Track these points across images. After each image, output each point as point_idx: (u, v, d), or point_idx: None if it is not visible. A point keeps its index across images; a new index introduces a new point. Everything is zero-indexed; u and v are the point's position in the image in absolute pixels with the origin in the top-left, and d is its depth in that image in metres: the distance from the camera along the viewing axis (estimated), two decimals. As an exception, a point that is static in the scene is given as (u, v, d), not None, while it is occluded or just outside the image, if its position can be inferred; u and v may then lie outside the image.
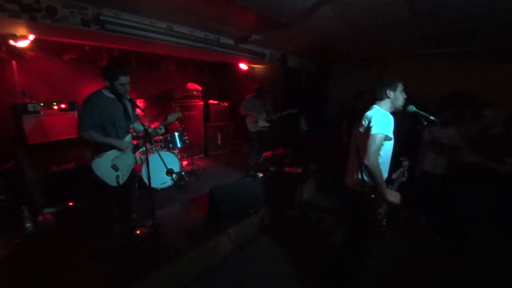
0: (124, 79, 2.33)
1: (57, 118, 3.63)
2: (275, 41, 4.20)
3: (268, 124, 4.64)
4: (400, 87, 2.01)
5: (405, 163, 2.29)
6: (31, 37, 3.01)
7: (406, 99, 2.04)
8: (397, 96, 2.00)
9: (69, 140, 3.71)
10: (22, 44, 3.04)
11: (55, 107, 3.64)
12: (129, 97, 2.47)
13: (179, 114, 2.83)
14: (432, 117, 2.06)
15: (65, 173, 3.55)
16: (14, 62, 3.60)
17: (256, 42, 4.11)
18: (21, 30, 2.74)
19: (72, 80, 4.05)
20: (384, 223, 2.02)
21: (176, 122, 4.72)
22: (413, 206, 3.55)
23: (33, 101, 3.49)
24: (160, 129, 2.70)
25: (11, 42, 2.98)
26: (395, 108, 2.03)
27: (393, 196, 1.91)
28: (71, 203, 3.49)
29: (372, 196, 1.92)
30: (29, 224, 2.86)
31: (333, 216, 3.82)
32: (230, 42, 4.00)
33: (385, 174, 2.04)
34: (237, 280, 2.59)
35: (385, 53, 4.81)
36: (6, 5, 2.10)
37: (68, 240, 2.75)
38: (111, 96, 2.40)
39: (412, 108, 2.09)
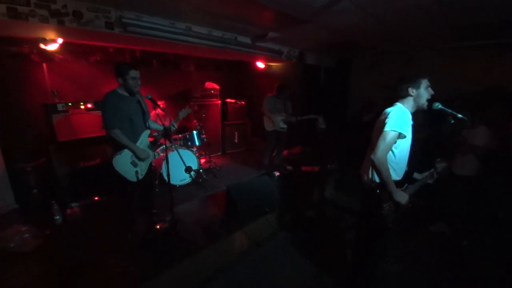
0: (134, 72, 2.42)
1: (84, 117, 3.81)
2: (292, 38, 4.14)
3: (285, 126, 4.63)
4: (424, 83, 1.90)
5: (439, 166, 2.18)
6: (60, 40, 3.17)
7: (432, 96, 1.93)
8: (421, 94, 1.90)
9: (95, 138, 3.88)
10: (52, 47, 3.20)
11: (82, 107, 3.82)
12: (150, 96, 2.56)
13: (189, 111, 2.93)
14: (460, 115, 1.93)
15: (91, 169, 3.73)
16: (44, 65, 3.82)
17: (274, 40, 4.07)
18: (50, 34, 2.90)
19: (97, 81, 4.21)
20: (390, 220, 1.95)
21: (195, 121, 4.84)
22: (451, 222, 3.28)
23: (62, 101, 3.69)
24: (173, 125, 2.77)
25: (42, 45, 3.16)
26: (418, 107, 1.94)
27: (400, 197, 1.84)
28: (96, 198, 3.67)
29: (378, 191, 1.90)
30: (58, 217, 3.04)
31: (353, 216, 3.72)
32: (247, 40, 4.00)
33: (400, 174, 2.00)
34: (253, 278, 2.60)
35: (411, 47, 4.58)
36: (36, 11, 2.23)
37: (93, 232, 2.90)
38: (126, 94, 2.49)
39: (438, 105, 1.95)
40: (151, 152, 2.69)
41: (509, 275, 2.59)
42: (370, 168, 1.93)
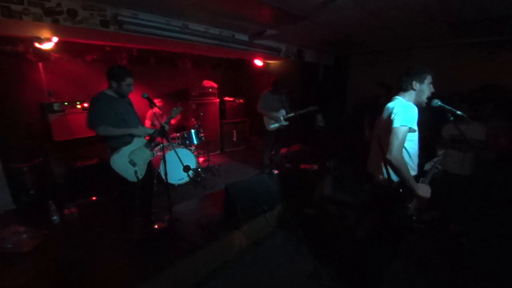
0: (130, 80, 2.46)
1: (81, 116, 3.78)
2: (291, 35, 4.11)
3: (287, 123, 4.49)
4: (428, 79, 1.88)
5: (440, 152, 2.19)
6: (55, 39, 3.13)
7: (432, 93, 1.92)
8: (423, 89, 1.88)
9: (92, 137, 3.82)
10: (47, 46, 3.17)
11: (79, 106, 3.80)
12: (146, 95, 2.56)
13: (181, 109, 2.97)
14: (459, 112, 1.92)
15: (89, 168, 3.71)
16: (40, 64, 3.78)
17: (272, 37, 4.05)
18: (45, 33, 2.87)
19: (94, 80, 4.15)
20: (414, 219, 1.89)
21: (193, 119, 4.81)
22: (443, 210, 3.29)
23: (58, 101, 3.66)
24: (166, 123, 2.77)
25: (37, 44, 3.12)
26: (418, 102, 1.91)
27: (423, 191, 1.78)
28: (94, 197, 3.65)
29: (401, 190, 1.81)
30: (55, 217, 3.01)
31: (352, 214, 3.72)
32: (245, 38, 3.97)
33: (415, 168, 1.93)
34: (252, 277, 2.59)
35: (409, 44, 4.56)
36: (30, 9, 2.20)
37: (91, 232, 2.88)
38: (115, 95, 2.50)
39: (437, 102, 1.95)
40: (148, 150, 2.67)
41: (508, 272, 2.59)
42: (383, 169, 1.88)
